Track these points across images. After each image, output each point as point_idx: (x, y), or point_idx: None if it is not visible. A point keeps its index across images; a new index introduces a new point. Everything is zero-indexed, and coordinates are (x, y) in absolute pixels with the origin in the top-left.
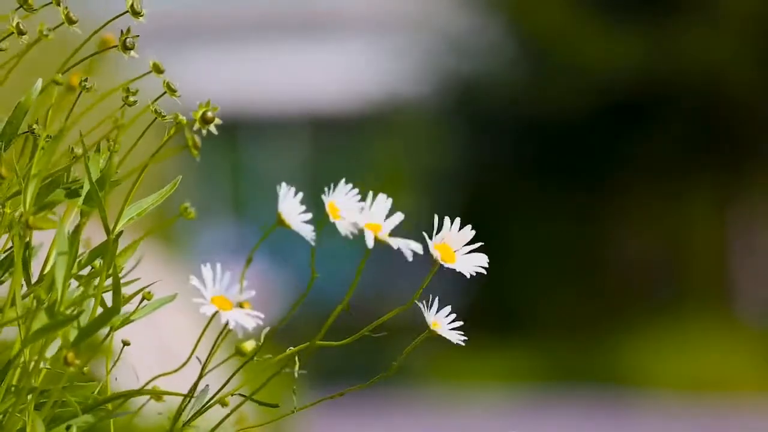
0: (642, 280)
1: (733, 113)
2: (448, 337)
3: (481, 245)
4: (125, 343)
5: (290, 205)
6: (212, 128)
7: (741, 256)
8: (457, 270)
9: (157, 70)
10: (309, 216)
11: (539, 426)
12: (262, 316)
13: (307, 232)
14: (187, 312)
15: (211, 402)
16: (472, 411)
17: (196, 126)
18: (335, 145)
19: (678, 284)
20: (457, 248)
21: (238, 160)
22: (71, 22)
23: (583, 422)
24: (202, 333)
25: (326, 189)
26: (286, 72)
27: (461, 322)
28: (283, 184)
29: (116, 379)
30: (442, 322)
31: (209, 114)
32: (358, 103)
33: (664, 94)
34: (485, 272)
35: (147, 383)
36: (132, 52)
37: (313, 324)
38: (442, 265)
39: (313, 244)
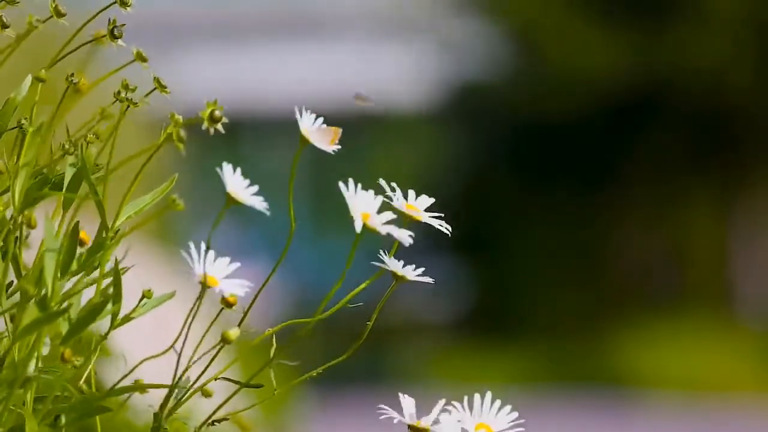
0: (642, 281)
1: (734, 115)
2: (416, 280)
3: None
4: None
5: (236, 182)
6: (219, 127)
7: (741, 257)
8: (426, 221)
9: (141, 59)
10: (256, 188)
11: (539, 426)
12: (249, 284)
13: (259, 204)
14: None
15: (193, 390)
16: None
17: (205, 125)
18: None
19: (678, 285)
20: (422, 211)
21: (238, 159)
22: (60, 14)
23: (583, 422)
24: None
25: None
26: (287, 72)
27: (423, 269)
28: (224, 164)
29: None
30: (408, 272)
31: (217, 113)
32: (358, 105)
33: (664, 96)
34: (485, 272)
35: (133, 369)
36: (119, 41)
37: (313, 324)
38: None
39: (267, 213)
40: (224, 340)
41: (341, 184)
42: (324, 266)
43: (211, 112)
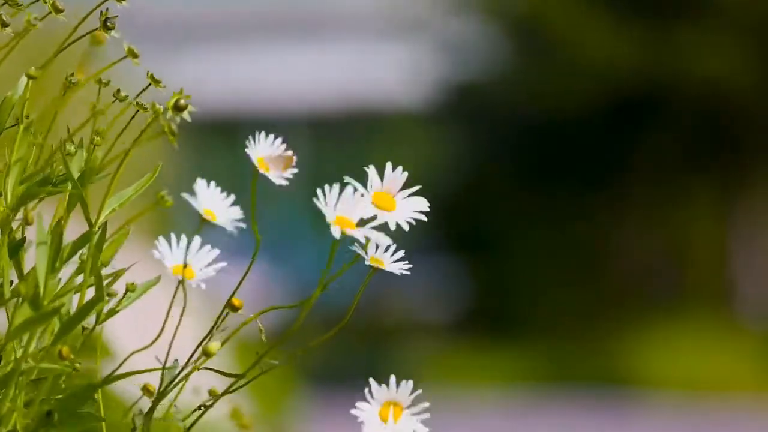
0: (642, 281)
1: (734, 115)
2: (391, 270)
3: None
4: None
5: (209, 197)
6: (186, 116)
7: (741, 257)
8: (397, 219)
9: (132, 54)
10: (232, 198)
11: (539, 426)
12: (213, 272)
13: (230, 225)
14: (190, 311)
15: (180, 378)
16: (472, 411)
17: (170, 114)
18: (335, 146)
19: (679, 285)
20: (395, 194)
21: (237, 160)
22: (58, 11)
23: (583, 422)
24: (211, 331)
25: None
26: (287, 72)
27: (403, 253)
28: (199, 180)
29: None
30: (385, 258)
31: (182, 102)
32: (358, 104)
33: (665, 96)
34: (485, 272)
35: (124, 361)
36: (113, 32)
37: (313, 324)
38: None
39: (234, 233)
40: (205, 354)
41: (315, 201)
42: (324, 266)
43: (176, 102)
